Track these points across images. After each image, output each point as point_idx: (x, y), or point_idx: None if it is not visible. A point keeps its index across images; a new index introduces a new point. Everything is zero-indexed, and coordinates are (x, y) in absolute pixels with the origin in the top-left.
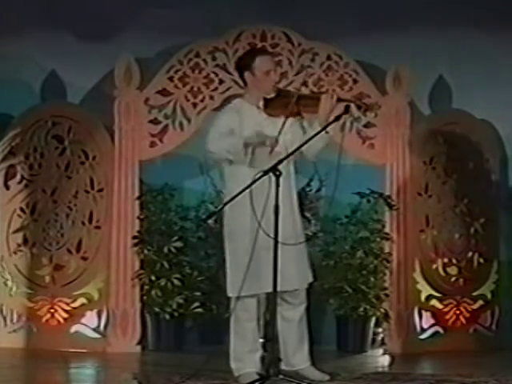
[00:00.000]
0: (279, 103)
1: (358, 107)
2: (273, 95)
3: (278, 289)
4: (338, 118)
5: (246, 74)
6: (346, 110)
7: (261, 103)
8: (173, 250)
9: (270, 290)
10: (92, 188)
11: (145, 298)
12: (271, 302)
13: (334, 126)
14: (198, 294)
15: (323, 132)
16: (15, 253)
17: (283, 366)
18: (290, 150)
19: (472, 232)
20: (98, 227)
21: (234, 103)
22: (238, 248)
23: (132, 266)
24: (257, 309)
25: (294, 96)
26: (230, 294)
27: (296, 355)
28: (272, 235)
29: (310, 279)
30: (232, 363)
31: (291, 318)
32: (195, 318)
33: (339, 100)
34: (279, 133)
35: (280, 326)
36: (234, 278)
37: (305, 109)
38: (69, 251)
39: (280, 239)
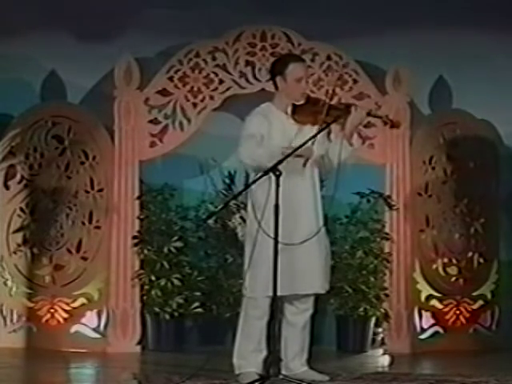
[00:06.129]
0: (308, 111)
1: (385, 123)
2: (302, 102)
3: (294, 291)
4: (336, 119)
5: (278, 79)
6: (347, 110)
7: (289, 109)
8: (173, 250)
9: (287, 292)
10: (92, 188)
11: (145, 298)
12: (276, 302)
13: (356, 137)
14: (197, 293)
15: (347, 144)
16: (15, 253)
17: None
18: (289, 151)
19: (472, 232)
20: (97, 227)
21: (263, 108)
22: (262, 250)
23: (132, 266)
24: (268, 308)
25: (324, 105)
26: (247, 295)
27: (295, 360)
28: (295, 237)
29: (327, 287)
30: (235, 360)
31: (295, 323)
32: (195, 317)
33: (368, 114)
34: (312, 143)
35: (283, 329)
36: (253, 279)
37: (333, 119)
38: (69, 251)
39: (302, 239)
